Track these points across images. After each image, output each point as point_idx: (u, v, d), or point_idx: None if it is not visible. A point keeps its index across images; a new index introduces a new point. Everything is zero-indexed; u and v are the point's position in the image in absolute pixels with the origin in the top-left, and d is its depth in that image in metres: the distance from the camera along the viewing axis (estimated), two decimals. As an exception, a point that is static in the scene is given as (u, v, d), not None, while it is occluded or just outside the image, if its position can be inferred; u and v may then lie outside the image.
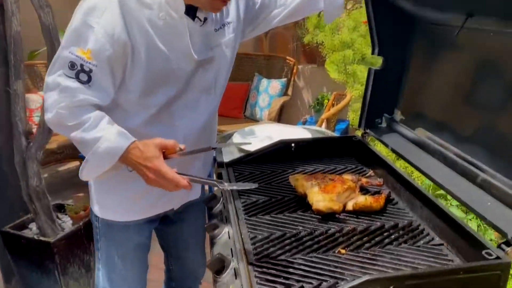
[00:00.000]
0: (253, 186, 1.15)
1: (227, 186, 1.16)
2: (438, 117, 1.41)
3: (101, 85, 1.14)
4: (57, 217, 2.20)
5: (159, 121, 1.26)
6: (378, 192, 1.37)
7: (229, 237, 1.21)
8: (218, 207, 1.41)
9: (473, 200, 1.07)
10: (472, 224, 2.06)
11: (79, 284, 2.13)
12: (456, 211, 2.08)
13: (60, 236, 2.03)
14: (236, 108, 4.28)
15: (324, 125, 2.84)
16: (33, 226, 2.12)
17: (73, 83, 1.11)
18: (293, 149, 1.64)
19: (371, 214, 1.24)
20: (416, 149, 1.41)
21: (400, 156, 1.43)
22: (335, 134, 1.92)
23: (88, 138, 1.11)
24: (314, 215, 1.24)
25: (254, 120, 4.21)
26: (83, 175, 1.17)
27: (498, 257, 0.90)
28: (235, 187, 1.18)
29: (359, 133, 1.71)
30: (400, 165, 2.33)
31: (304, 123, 3.95)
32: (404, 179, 1.32)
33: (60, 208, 2.27)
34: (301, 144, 1.65)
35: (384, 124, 1.66)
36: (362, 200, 1.24)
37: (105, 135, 1.11)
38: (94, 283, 1.48)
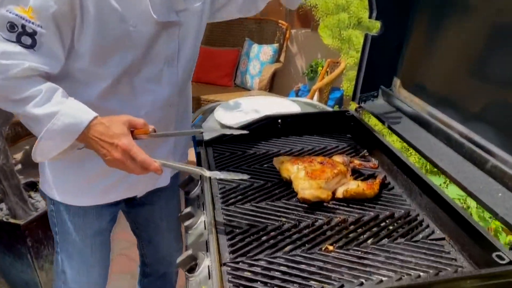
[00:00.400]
0: (242, 177, 0.99)
1: (209, 174, 1.00)
2: (442, 91, 1.25)
3: (49, 49, 0.96)
4: (30, 196, 2.05)
5: (118, 94, 1.09)
6: (372, 176, 1.23)
7: (205, 228, 1.08)
8: (196, 191, 1.27)
9: (481, 189, 0.93)
10: (471, 204, 1.94)
11: (55, 267, 2.01)
12: (453, 189, 1.95)
13: (32, 217, 1.88)
14: (226, 76, 4.07)
15: (317, 95, 2.66)
16: (3, 206, 1.98)
17: (15, 48, 0.93)
18: (279, 125, 1.48)
19: (364, 202, 1.10)
20: (416, 127, 1.26)
21: (397, 135, 1.27)
22: (327, 108, 1.76)
23: (41, 114, 0.95)
24: (299, 204, 1.10)
25: (245, 88, 4.01)
26: (37, 156, 1.01)
27: (511, 262, 0.77)
28: (221, 176, 1.02)
29: (353, 107, 1.55)
30: (394, 142, 2.18)
31: (297, 92, 3.76)
32: (401, 162, 1.17)
33: (33, 187, 2.12)
34: (288, 119, 1.49)
35: (381, 98, 1.49)
36: (354, 186, 1.10)
37: (63, 109, 0.95)
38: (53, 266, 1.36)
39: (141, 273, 1.64)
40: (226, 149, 1.40)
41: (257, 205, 1.11)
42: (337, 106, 3.57)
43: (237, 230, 1.01)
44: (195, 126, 1.60)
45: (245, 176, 0.99)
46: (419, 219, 1.04)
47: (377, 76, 1.49)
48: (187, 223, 1.12)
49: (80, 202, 1.23)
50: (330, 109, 1.74)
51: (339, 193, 1.11)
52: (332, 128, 1.51)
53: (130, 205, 1.40)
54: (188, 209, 1.14)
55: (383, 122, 1.38)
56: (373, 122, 2.16)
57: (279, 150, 1.38)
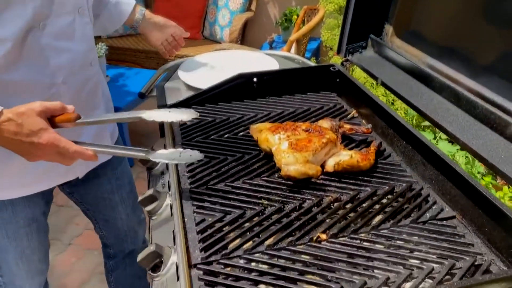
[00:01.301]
0: (197, 157, 0.82)
1: (154, 158, 0.83)
2: (445, 38, 1.06)
3: None
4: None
5: (25, 60, 0.88)
6: (365, 142, 1.06)
7: (171, 214, 0.89)
8: (159, 167, 1.08)
9: (503, 160, 0.77)
10: (459, 160, 1.82)
11: None
12: (444, 146, 1.82)
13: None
14: (193, 27, 3.74)
15: (294, 47, 2.42)
16: None
17: None
18: (255, 84, 1.27)
19: (358, 176, 0.93)
20: (416, 83, 1.08)
21: (394, 93, 1.09)
22: (309, 62, 1.55)
23: None
24: (283, 181, 0.92)
25: (214, 41, 3.72)
26: None
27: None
28: (173, 161, 0.85)
29: (338, 60, 1.34)
30: (381, 95, 2.01)
31: (271, 43, 3.50)
32: (398, 124, 1.00)
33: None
34: (265, 77, 1.28)
35: (370, 49, 1.30)
36: (346, 158, 0.93)
37: None
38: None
39: (106, 255, 1.46)
40: (193, 115, 1.19)
41: (233, 184, 0.92)
42: (314, 58, 3.34)
43: (210, 219, 0.82)
44: (157, 87, 1.36)
45: (199, 157, 0.86)
46: (424, 194, 0.88)
47: (366, 24, 1.28)
48: (149, 207, 0.93)
49: (4, 196, 1.02)
50: (311, 63, 1.53)
51: (329, 167, 0.93)
52: (315, 86, 1.31)
53: (71, 185, 1.19)
54: (150, 191, 0.94)
55: (375, 78, 1.19)
56: (358, 75, 1.98)
57: (256, 114, 1.18)
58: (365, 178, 0.93)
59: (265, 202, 0.87)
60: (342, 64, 1.31)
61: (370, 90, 1.16)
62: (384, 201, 0.87)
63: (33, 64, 0.88)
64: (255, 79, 1.27)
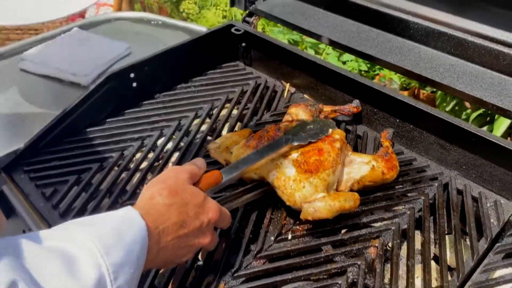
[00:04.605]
0: None
1: None
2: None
3: None
4: None
5: None
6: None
7: None
8: None
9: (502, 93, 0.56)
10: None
11: None
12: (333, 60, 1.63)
13: None
14: None
15: (125, 2, 1.75)
16: None
17: None
18: (134, 83, 0.79)
19: (377, 192, 0.62)
20: (371, 32, 0.77)
21: (346, 49, 0.77)
22: (169, 20, 1.09)
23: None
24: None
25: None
26: None
27: None
28: None
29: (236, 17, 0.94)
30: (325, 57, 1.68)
31: None
32: (379, 94, 0.71)
33: None
34: (146, 67, 0.80)
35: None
36: (366, 170, 0.59)
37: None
38: None
39: None
40: (58, 158, 0.67)
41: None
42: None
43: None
44: None
45: None
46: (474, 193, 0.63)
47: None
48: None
49: None
50: (196, 27, 1.08)
51: (345, 186, 0.59)
52: (214, 61, 0.90)
53: None
54: None
55: (304, 31, 0.84)
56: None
57: (153, 128, 0.74)
58: (385, 191, 0.62)
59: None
60: (244, 20, 0.92)
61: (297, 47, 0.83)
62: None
63: None
64: (132, 75, 0.79)
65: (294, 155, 0.55)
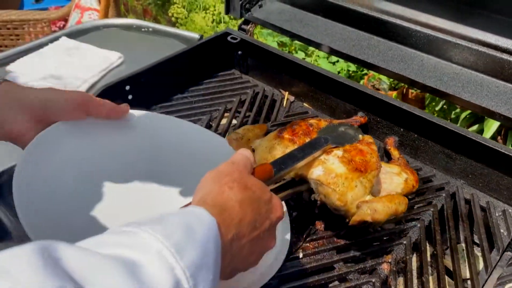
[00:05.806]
0: None
1: None
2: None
3: None
4: None
5: None
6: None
7: None
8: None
9: None
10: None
11: None
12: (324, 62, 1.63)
13: None
14: None
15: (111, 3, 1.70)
16: None
17: None
18: (130, 96, 0.77)
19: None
20: (370, 39, 0.76)
21: (346, 57, 0.76)
22: (163, 27, 1.06)
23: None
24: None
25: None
26: None
27: None
28: None
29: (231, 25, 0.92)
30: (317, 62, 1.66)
31: None
32: (386, 104, 0.70)
33: None
34: (142, 79, 0.78)
35: (274, -3, 0.91)
36: (399, 182, 0.58)
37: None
38: None
39: None
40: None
41: None
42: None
43: None
44: None
45: None
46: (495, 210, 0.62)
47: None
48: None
49: None
50: (187, 34, 1.05)
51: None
52: (211, 69, 0.88)
53: None
54: None
55: (302, 39, 0.83)
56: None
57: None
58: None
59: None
60: (240, 28, 0.90)
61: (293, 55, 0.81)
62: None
63: None
64: (127, 87, 0.76)
65: (338, 152, 0.54)
